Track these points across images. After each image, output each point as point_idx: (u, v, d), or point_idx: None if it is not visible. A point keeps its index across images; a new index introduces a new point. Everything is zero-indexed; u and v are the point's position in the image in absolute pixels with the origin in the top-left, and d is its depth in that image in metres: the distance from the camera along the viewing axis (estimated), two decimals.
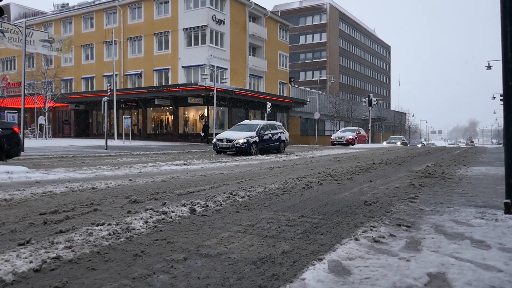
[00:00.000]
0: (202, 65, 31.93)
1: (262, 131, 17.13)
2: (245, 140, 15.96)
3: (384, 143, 43.11)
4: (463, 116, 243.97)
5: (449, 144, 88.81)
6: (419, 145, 44.49)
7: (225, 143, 16.24)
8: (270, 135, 17.66)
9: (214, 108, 28.85)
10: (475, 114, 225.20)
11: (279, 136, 18.43)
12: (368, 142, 32.29)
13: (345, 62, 69.91)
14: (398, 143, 40.59)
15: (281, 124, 19.73)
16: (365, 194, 5.81)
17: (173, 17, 33.71)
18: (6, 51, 37.07)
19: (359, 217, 4.21)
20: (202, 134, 29.74)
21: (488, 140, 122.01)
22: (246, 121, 19.44)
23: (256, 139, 16.49)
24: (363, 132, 33.43)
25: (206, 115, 31.50)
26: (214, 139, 16.95)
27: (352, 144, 29.70)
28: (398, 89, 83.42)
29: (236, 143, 15.91)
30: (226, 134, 17.03)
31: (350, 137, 30.46)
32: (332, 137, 32.27)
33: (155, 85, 34.10)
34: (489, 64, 35.94)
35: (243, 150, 15.91)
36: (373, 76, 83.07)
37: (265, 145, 17.32)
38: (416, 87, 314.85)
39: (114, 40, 27.59)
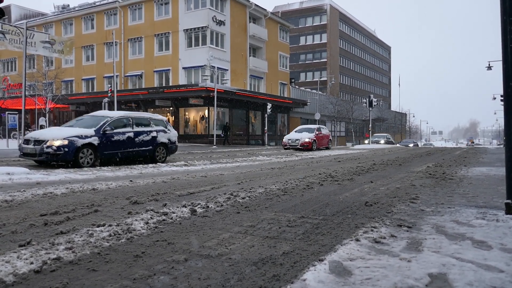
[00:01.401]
0: (202, 66, 31.95)
1: (110, 128, 10.98)
2: (65, 142, 9.90)
3: (366, 142, 40.48)
4: (464, 117, 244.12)
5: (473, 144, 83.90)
6: (411, 145, 40.37)
7: (31, 146, 10.13)
8: (131, 134, 11.55)
9: (214, 109, 28.85)
10: (475, 114, 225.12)
11: (154, 137, 12.26)
12: (329, 144, 25.39)
13: (346, 63, 69.93)
14: (382, 142, 37.54)
15: (164, 119, 13.53)
16: (366, 194, 5.81)
17: (173, 18, 33.75)
18: (7, 52, 37.12)
19: (360, 218, 4.21)
20: (222, 135, 29.89)
21: (488, 140, 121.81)
22: (98, 112, 12.96)
23: (95, 140, 10.51)
24: (325, 131, 25.47)
25: (206, 116, 31.51)
26: (20, 141, 10.66)
27: (310, 149, 22.26)
28: (398, 89, 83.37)
29: (48, 147, 9.81)
30: (38, 133, 10.89)
31: (307, 140, 22.41)
32: (284, 139, 23.95)
33: (155, 86, 34.13)
34: (489, 64, 35.93)
35: (62, 158, 9.92)
36: (373, 76, 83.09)
37: (119, 150, 11.25)
38: (416, 88, 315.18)
39: (115, 41, 27.61)
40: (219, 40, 33.52)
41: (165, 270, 2.60)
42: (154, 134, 12.33)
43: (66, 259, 2.79)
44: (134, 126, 11.85)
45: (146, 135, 12.06)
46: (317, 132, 23.54)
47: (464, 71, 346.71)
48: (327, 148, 24.93)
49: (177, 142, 13.52)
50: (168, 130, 13.06)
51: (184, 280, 2.44)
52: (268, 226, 3.86)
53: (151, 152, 12.24)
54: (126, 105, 34.43)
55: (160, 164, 11.77)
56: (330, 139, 25.87)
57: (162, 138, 12.61)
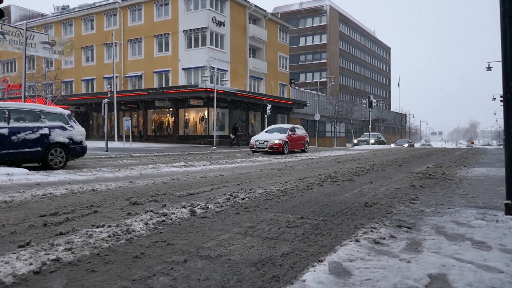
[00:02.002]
0: (202, 67, 31.97)
1: None
2: None
3: (355, 141, 38.61)
4: (464, 117, 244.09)
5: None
6: (405, 145, 39.13)
7: None
8: (3, 131, 8.91)
9: (214, 109, 28.83)
10: (475, 115, 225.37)
11: (45, 135, 9.62)
12: (305, 147, 21.87)
13: (345, 64, 69.97)
14: (372, 142, 35.17)
15: (66, 112, 10.65)
16: (365, 195, 5.81)
17: (173, 19, 33.77)
18: (7, 53, 37.13)
19: (359, 219, 4.21)
20: (232, 136, 29.92)
21: (488, 141, 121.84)
22: None
23: None
24: (301, 131, 21.85)
25: (206, 116, 31.52)
26: None
27: (281, 152, 18.94)
28: (398, 90, 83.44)
29: None
30: None
31: (277, 141, 19.01)
32: (251, 141, 20.34)
33: (155, 86, 34.13)
34: (489, 65, 35.96)
35: None
36: (373, 77, 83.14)
37: None
38: (416, 89, 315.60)
39: (115, 42, 27.61)
40: (219, 41, 33.54)
41: (165, 271, 2.60)
42: (45, 131, 9.62)
43: (65, 260, 2.79)
44: (12, 120, 9.17)
45: (30, 132, 9.35)
46: (290, 133, 20.20)
47: (464, 71, 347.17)
48: (303, 151, 21.54)
49: (84, 142, 10.63)
50: (70, 127, 10.32)
51: (183, 281, 2.44)
52: (267, 227, 3.85)
53: (41, 154, 9.52)
54: (126, 105, 34.48)
55: (58, 171, 9.33)
56: (307, 141, 22.44)
57: (59, 136, 9.87)
